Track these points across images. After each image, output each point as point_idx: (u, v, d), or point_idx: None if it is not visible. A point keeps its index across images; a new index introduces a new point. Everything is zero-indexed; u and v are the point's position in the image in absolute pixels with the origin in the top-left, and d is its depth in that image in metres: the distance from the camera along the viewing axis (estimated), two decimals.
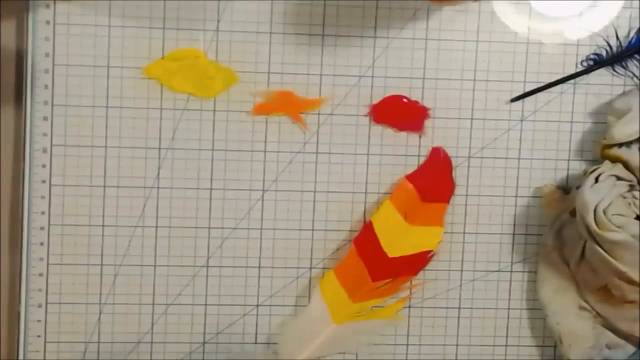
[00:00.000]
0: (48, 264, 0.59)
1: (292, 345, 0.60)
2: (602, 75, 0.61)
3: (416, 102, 0.60)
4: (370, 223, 0.60)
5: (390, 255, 0.59)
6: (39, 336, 0.60)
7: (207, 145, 0.59)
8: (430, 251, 0.60)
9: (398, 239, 0.60)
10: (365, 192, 0.61)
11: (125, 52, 0.58)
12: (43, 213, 0.59)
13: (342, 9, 0.59)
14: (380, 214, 0.60)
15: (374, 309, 0.61)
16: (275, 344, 0.61)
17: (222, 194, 0.60)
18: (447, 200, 0.61)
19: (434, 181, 0.60)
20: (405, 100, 0.60)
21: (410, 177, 0.60)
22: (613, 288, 0.58)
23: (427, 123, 0.61)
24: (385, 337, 0.62)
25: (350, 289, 0.60)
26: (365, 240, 0.60)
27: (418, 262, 0.60)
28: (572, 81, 0.61)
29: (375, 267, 0.60)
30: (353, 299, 0.60)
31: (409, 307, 0.62)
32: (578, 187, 0.58)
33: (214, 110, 0.59)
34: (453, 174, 0.61)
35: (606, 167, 0.58)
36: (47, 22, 0.57)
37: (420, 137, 0.61)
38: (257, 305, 0.61)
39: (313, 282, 0.61)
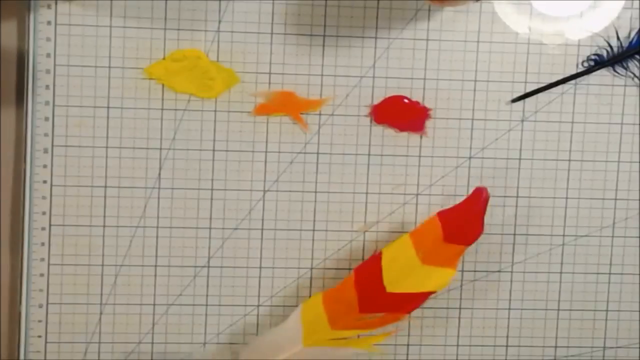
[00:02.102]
0: (49, 264, 0.59)
1: (253, 356, 0.59)
2: (602, 75, 0.61)
3: (417, 103, 0.60)
4: (380, 255, 0.58)
5: (389, 290, 0.57)
6: (39, 336, 0.60)
7: (208, 145, 0.59)
8: (432, 292, 0.58)
9: (403, 275, 0.57)
10: (366, 193, 0.61)
11: (127, 52, 0.58)
12: (44, 213, 0.59)
13: (343, 9, 0.59)
14: (394, 247, 0.58)
15: (348, 338, 0.59)
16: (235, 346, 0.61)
17: (223, 194, 0.60)
18: (470, 244, 0.58)
19: (463, 222, 0.57)
20: (406, 100, 0.60)
21: (441, 215, 0.58)
22: None
23: (428, 123, 0.61)
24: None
25: (333, 315, 0.58)
26: (367, 270, 0.58)
27: (415, 300, 0.57)
28: (572, 82, 0.61)
29: (368, 298, 0.58)
30: (333, 325, 0.58)
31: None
32: None
33: (215, 111, 0.59)
34: (484, 216, 0.58)
35: None
36: (49, 23, 0.57)
37: (421, 137, 0.61)
38: (258, 306, 0.61)
39: (313, 282, 0.61)
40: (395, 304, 0.57)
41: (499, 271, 0.62)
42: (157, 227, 0.60)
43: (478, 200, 0.57)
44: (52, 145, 0.58)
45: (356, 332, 0.59)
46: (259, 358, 0.59)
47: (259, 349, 0.59)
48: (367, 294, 0.58)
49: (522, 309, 0.63)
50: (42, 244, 0.59)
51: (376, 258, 0.58)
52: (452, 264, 0.57)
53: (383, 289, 0.57)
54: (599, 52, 0.61)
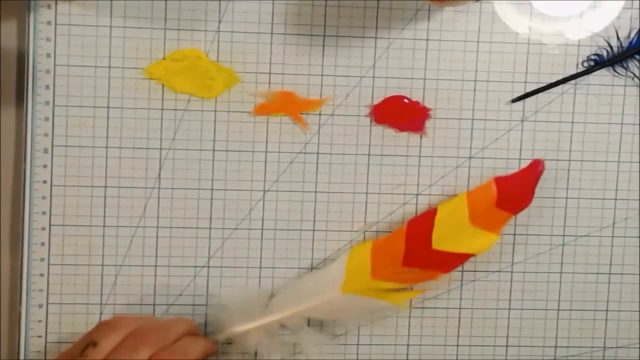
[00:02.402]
0: (49, 264, 0.59)
1: (288, 296, 0.60)
2: (602, 75, 0.61)
3: (417, 103, 0.60)
4: (435, 210, 0.59)
5: (434, 247, 0.59)
6: (39, 336, 0.60)
7: (208, 145, 0.59)
8: (473, 254, 0.59)
9: (451, 233, 0.59)
10: (366, 193, 0.61)
11: (127, 52, 0.58)
12: (44, 213, 0.59)
13: (343, 9, 0.59)
14: (449, 205, 0.59)
15: (385, 290, 0.60)
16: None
17: (223, 194, 0.60)
18: (517, 212, 0.60)
19: (517, 190, 0.60)
20: (406, 100, 0.60)
21: (498, 180, 0.60)
22: None
23: (428, 123, 0.61)
24: (386, 337, 0.62)
25: (376, 265, 0.59)
26: (419, 224, 0.59)
27: (456, 261, 0.60)
28: (572, 82, 0.61)
29: (414, 253, 0.59)
30: (374, 275, 0.59)
31: (410, 307, 0.62)
32: None
33: (215, 111, 0.59)
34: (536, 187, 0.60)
35: None
36: (49, 23, 0.57)
37: (421, 137, 0.61)
38: None
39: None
40: (436, 261, 0.59)
41: (499, 271, 0.62)
42: (157, 227, 0.60)
43: (534, 172, 0.60)
44: (52, 145, 0.58)
45: (393, 285, 0.59)
46: (295, 299, 0.59)
47: (295, 292, 0.59)
48: (413, 248, 0.59)
49: (522, 309, 0.63)
50: (42, 244, 0.59)
51: (430, 213, 0.59)
52: (496, 230, 0.59)
53: (429, 245, 0.59)
54: (599, 52, 0.61)
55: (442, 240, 0.59)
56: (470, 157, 0.61)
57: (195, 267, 0.60)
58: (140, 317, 0.55)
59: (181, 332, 0.54)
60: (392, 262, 0.59)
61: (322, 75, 0.60)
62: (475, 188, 0.60)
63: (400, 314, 0.62)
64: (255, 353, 0.60)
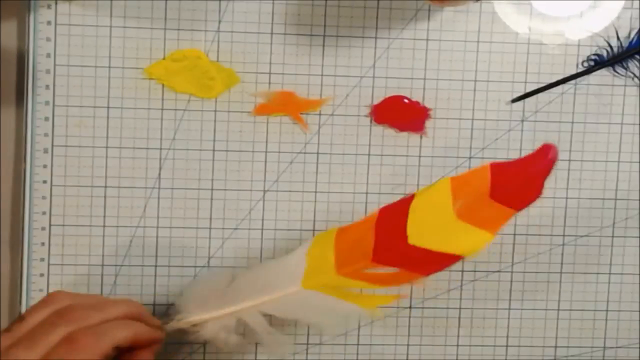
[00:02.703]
0: (49, 265, 0.59)
1: (245, 287, 0.52)
2: (602, 75, 0.61)
3: (417, 103, 0.60)
4: (412, 197, 0.49)
5: (410, 241, 0.49)
6: None
7: (208, 145, 0.59)
8: (459, 257, 0.49)
9: (432, 227, 0.49)
10: (366, 193, 0.61)
11: (127, 52, 0.58)
12: (44, 213, 0.59)
13: (343, 9, 0.59)
14: (429, 191, 0.49)
15: (353, 290, 0.51)
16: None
17: (223, 194, 0.60)
18: (521, 208, 0.49)
19: (520, 180, 0.49)
20: (406, 100, 0.60)
21: (494, 166, 0.49)
22: None
23: (428, 123, 0.61)
24: (386, 337, 0.62)
25: (342, 255, 0.50)
26: (393, 212, 0.49)
27: (439, 262, 0.49)
28: (572, 82, 0.61)
29: (386, 246, 0.49)
30: (338, 269, 0.50)
31: (410, 307, 0.62)
32: None
33: (215, 111, 0.59)
34: (545, 181, 0.49)
35: None
36: (49, 23, 0.57)
37: (421, 137, 0.61)
38: None
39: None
40: (414, 260, 0.49)
41: (499, 271, 0.62)
42: (157, 227, 0.60)
43: (543, 159, 0.49)
44: (52, 145, 0.58)
45: (362, 284, 0.50)
46: (252, 290, 0.52)
47: (255, 279, 0.52)
48: (385, 240, 0.49)
49: (522, 309, 0.63)
50: (42, 244, 0.59)
51: (406, 200, 0.50)
52: (492, 227, 0.48)
53: (405, 239, 0.49)
54: (599, 52, 0.61)
55: (420, 234, 0.49)
56: (470, 157, 0.61)
57: (195, 267, 0.60)
58: (80, 294, 0.51)
59: (116, 313, 0.49)
60: (360, 255, 0.50)
61: (322, 75, 0.60)
62: (463, 173, 0.51)
63: (401, 314, 0.62)
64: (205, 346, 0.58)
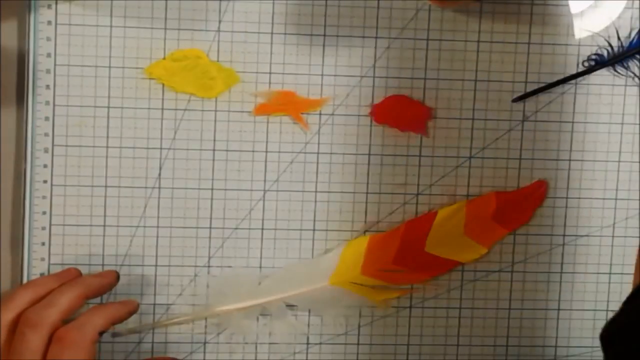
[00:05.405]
0: (49, 264, 0.59)
1: (279, 280, 0.60)
2: (603, 75, 0.61)
3: (418, 102, 0.60)
4: (435, 214, 0.60)
5: (427, 249, 0.60)
6: None
7: (208, 145, 0.59)
8: (459, 263, 0.61)
9: (445, 240, 0.60)
10: (367, 193, 0.61)
11: (127, 52, 0.58)
12: (44, 213, 0.59)
13: (344, 9, 0.59)
14: (449, 210, 0.60)
15: (370, 288, 0.60)
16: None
17: (223, 194, 0.60)
18: (511, 230, 0.61)
19: (514, 208, 0.61)
20: (406, 100, 0.60)
21: (499, 195, 0.61)
22: None
23: (429, 123, 0.61)
24: (386, 337, 0.62)
25: (369, 260, 0.60)
26: (417, 225, 0.60)
27: (443, 266, 0.61)
28: (573, 81, 0.61)
29: (406, 252, 0.60)
30: (363, 270, 0.60)
31: (410, 307, 0.62)
32: None
33: (216, 111, 0.59)
34: (535, 210, 0.61)
35: None
36: (49, 23, 0.57)
37: (421, 137, 0.61)
38: None
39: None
40: (425, 264, 0.60)
41: (499, 271, 0.62)
42: (158, 226, 0.60)
43: (535, 192, 0.61)
44: (53, 145, 0.58)
45: (379, 282, 0.60)
46: (284, 285, 0.60)
47: (287, 276, 0.60)
48: (407, 248, 0.60)
49: (522, 309, 0.63)
50: (43, 243, 0.59)
51: (430, 216, 0.60)
52: (487, 243, 0.61)
53: (422, 247, 0.60)
54: (599, 52, 0.61)
55: (436, 244, 0.60)
56: (470, 157, 0.61)
57: (196, 267, 0.60)
58: (27, 289, 0.54)
59: (68, 303, 0.52)
60: (383, 259, 0.60)
61: (322, 75, 0.60)
62: (475, 198, 0.61)
63: (401, 314, 0.62)
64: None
